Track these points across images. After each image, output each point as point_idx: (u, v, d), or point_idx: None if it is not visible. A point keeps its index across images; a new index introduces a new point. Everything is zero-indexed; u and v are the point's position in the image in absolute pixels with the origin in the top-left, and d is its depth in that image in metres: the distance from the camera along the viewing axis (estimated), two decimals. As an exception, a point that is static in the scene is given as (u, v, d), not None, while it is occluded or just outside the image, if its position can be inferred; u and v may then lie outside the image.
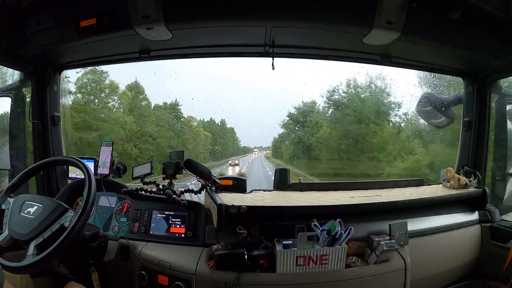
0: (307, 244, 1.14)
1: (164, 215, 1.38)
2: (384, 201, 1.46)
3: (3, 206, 1.11)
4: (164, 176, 1.50)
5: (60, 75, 1.74)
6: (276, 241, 1.17)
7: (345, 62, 1.81)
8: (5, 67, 1.65)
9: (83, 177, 1.13)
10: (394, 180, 1.86)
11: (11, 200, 1.12)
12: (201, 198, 1.51)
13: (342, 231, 1.16)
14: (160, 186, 1.45)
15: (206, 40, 1.57)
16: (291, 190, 1.68)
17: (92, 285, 1.19)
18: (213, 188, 1.44)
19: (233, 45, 1.64)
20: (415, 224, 1.41)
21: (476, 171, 1.72)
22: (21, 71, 1.65)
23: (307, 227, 1.20)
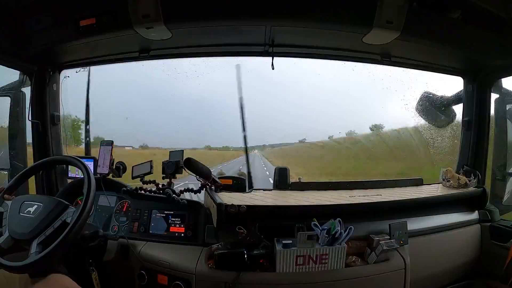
0: (307, 243, 1.14)
1: (164, 215, 1.38)
2: (384, 200, 1.46)
3: (1, 209, 1.10)
4: (163, 175, 1.50)
5: (59, 74, 1.74)
6: (276, 241, 1.17)
7: (344, 62, 1.81)
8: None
9: (83, 176, 1.13)
10: (394, 179, 1.85)
11: (8, 202, 1.11)
12: (200, 197, 1.51)
13: (342, 231, 1.16)
14: (160, 186, 1.45)
15: (206, 39, 1.57)
16: (291, 190, 1.68)
17: (91, 284, 1.19)
18: (213, 188, 1.44)
19: (232, 44, 1.64)
20: (415, 224, 1.41)
21: (476, 170, 1.72)
22: (21, 70, 1.65)
23: (307, 226, 1.20)
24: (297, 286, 1.15)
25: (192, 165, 1.29)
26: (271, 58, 1.64)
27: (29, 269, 1.00)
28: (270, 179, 1.82)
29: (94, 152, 1.70)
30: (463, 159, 1.83)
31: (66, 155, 1.76)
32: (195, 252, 1.22)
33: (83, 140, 1.87)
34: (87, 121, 1.82)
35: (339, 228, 1.16)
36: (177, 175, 1.49)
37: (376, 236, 1.25)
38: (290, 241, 1.15)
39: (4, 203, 1.12)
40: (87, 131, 1.83)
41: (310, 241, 1.14)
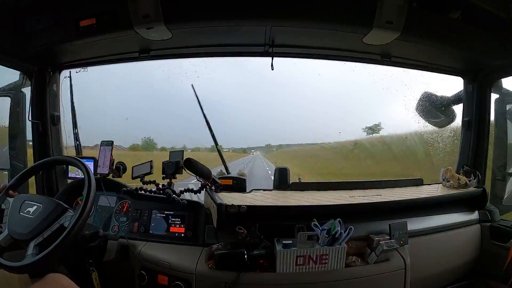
0: (307, 243, 1.14)
1: (164, 215, 1.38)
2: (384, 200, 1.45)
3: (3, 206, 1.11)
4: (163, 175, 1.50)
5: (60, 74, 1.74)
6: (276, 241, 1.17)
7: (344, 62, 1.81)
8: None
9: (83, 176, 1.13)
10: (394, 179, 1.85)
11: (10, 200, 1.11)
12: (200, 197, 1.51)
13: (342, 231, 1.16)
14: (160, 186, 1.45)
15: (206, 39, 1.57)
16: (291, 190, 1.68)
17: (92, 284, 1.19)
18: (213, 188, 1.44)
19: (233, 44, 1.64)
20: (415, 224, 1.41)
21: (476, 170, 1.72)
22: (21, 70, 1.65)
23: (307, 226, 1.20)
24: (297, 286, 1.15)
25: (192, 166, 1.29)
26: (271, 58, 1.64)
27: (25, 270, 1.00)
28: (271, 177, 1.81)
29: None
30: (463, 159, 1.83)
31: (67, 155, 1.76)
32: (195, 252, 1.23)
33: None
34: (74, 125, 1.77)
35: (339, 228, 1.16)
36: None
37: (376, 236, 1.25)
38: (290, 241, 1.15)
39: (6, 201, 1.12)
40: (75, 135, 1.78)
41: (310, 241, 1.14)
